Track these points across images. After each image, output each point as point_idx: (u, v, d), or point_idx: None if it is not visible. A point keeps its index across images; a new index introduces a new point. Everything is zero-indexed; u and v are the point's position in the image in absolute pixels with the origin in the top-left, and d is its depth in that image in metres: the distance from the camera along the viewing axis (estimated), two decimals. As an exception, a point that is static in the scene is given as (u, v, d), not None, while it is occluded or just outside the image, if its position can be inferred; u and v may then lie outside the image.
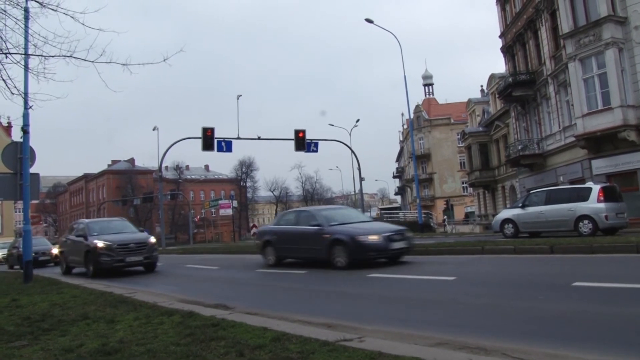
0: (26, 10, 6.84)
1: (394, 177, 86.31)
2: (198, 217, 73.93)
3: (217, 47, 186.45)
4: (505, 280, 7.64)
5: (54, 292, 8.50)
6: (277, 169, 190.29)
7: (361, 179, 32.80)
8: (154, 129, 42.18)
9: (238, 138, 26.88)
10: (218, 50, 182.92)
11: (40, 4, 6.32)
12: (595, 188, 14.97)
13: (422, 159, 62.44)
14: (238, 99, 29.25)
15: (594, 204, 14.56)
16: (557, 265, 8.91)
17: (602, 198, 14.57)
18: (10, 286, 10.37)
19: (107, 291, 8.23)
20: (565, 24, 21.25)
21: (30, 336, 4.82)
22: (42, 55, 6.50)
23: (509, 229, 16.60)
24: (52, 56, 6.49)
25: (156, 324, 4.98)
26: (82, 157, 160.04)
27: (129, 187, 74.21)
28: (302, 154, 39.13)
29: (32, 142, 11.25)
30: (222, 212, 66.18)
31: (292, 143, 26.63)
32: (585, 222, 14.57)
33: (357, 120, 63.98)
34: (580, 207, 14.78)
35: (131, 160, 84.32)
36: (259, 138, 28.60)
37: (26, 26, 6.79)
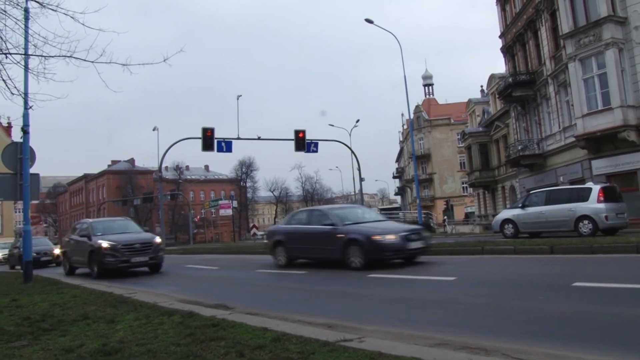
0: (26, 10, 6.84)
1: (394, 177, 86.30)
2: (198, 217, 73.95)
3: (217, 47, 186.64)
4: (506, 280, 7.64)
5: (54, 292, 8.50)
6: (277, 169, 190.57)
7: (361, 179, 32.76)
8: (154, 129, 42.18)
9: (238, 138, 26.85)
10: (218, 50, 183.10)
11: (40, 4, 6.33)
12: (595, 188, 14.97)
13: (422, 159, 62.44)
14: (238, 99, 29.23)
15: (594, 204, 14.57)
16: (557, 265, 8.92)
17: (602, 198, 14.58)
18: (10, 286, 10.37)
19: (107, 291, 8.23)
20: (565, 24, 21.26)
21: (30, 336, 4.82)
22: (42, 56, 6.51)
23: (509, 229, 16.61)
24: (52, 56, 6.50)
25: (156, 324, 4.98)
26: (82, 157, 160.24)
27: (129, 187, 74.23)
28: (302, 154, 39.33)
29: (32, 143, 11.27)
30: (222, 212, 66.19)
31: (292, 143, 26.61)
32: (585, 222, 14.58)
33: (357, 121, 63.77)
34: (580, 207, 14.79)
35: (131, 161, 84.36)
36: (259, 138, 28.57)
37: (26, 26, 6.80)
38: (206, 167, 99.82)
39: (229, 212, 64.35)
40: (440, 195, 61.86)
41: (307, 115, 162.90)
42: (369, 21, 27.01)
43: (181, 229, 73.59)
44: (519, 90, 26.90)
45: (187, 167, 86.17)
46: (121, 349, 4.00)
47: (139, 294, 7.82)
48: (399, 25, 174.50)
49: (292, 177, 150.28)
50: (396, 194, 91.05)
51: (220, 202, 63.87)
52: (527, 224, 16.18)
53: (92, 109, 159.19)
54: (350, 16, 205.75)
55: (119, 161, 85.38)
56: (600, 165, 20.63)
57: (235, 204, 63.68)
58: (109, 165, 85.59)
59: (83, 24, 6.33)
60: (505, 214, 17.76)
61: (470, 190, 50.44)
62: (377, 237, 9.75)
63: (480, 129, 39.95)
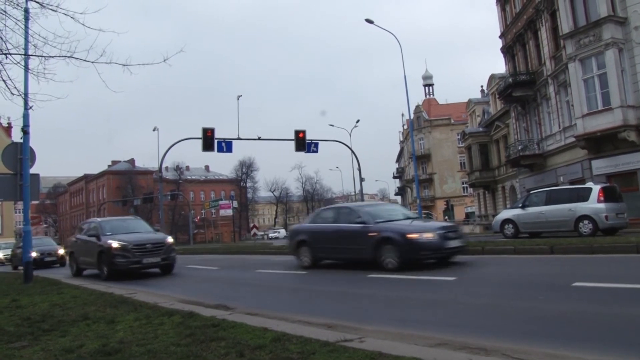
0: (26, 10, 6.85)
1: (394, 177, 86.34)
2: (198, 217, 73.97)
3: (217, 47, 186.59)
4: (506, 280, 7.64)
5: (54, 293, 8.50)
6: (278, 169, 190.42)
7: (361, 180, 32.73)
8: (154, 130, 42.11)
9: (238, 138, 26.83)
10: (218, 50, 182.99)
11: (40, 4, 6.34)
12: (595, 188, 14.98)
13: (422, 159, 62.45)
14: (238, 99, 29.23)
15: (594, 204, 14.57)
16: (557, 265, 8.92)
17: (602, 198, 14.58)
18: (10, 286, 10.37)
19: (107, 292, 8.24)
20: (565, 25, 21.26)
21: (30, 337, 4.82)
22: (42, 56, 6.51)
23: (509, 229, 16.61)
24: (52, 57, 6.50)
25: (156, 325, 4.99)
26: (82, 158, 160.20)
27: (129, 188, 74.27)
28: (302, 154, 39.34)
29: (32, 143, 11.26)
30: (222, 212, 66.19)
31: (292, 143, 26.60)
32: (585, 222, 14.58)
33: (357, 121, 63.87)
34: (581, 207, 14.79)
35: (131, 161, 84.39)
36: (259, 138, 28.55)
37: (26, 27, 6.80)
38: (206, 168, 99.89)
39: (229, 212, 64.29)
40: (441, 195, 61.85)
41: (307, 115, 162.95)
42: (369, 21, 27.00)
43: (181, 229, 73.56)
44: (519, 91, 26.91)
45: (187, 168, 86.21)
46: (121, 349, 4.00)
47: (139, 294, 7.82)
48: (399, 25, 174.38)
49: (293, 177, 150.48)
50: (396, 194, 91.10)
51: (220, 202, 63.83)
52: (527, 224, 16.18)
53: (92, 109, 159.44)
54: (350, 16, 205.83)
55: (119, 161, 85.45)
56: (600, 165, 20.63)
57: (235, 204, 63.61)
58: (109, 166, 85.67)
59: (83, 24, 6.34)
60: (505, 214, 17.76)
61: (471, 190, 50.44)
62: (414, 236, 9.18)
63: (481, 129, 39.95)
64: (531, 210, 16.11)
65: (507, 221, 16.81)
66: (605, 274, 7.39)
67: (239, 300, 7.06)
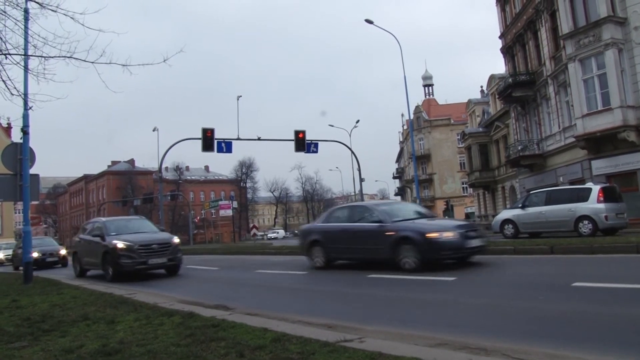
0: (26, 11, 6.86)
1: (394, 177, 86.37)
2: (198, 217, 73.97)
3: (217, 47, 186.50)
4: (506, 280, 7.65)
5: (54, 293, 8.50)
6: (277, 169, 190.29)
7: (361, 180, 32.76)
8: (153, 130, 42.20)
9: (238, 139, 26.84)
10: (218, 50, 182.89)
11: (40, 4, 6.34)
12: (595, 188, 14.99)
13: (422, 159, 62.46)
14: (238, 99, 29.26)
15: (593, 205, 14.58)
16: (557, 265, 8.92)
17: (602, 198, 14.59)
18: (10, 287, 10.37)
19: (107, 292, 8.24)
20: (565, 25, 21.27)
21: (30, 337, 4.82)
22: (42, 56, 6.52)
23: (509, 229, 16.62)
24: (52, 57, 6.51)
25: (156, 325, 4.98)
26: (82, 158, 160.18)
27: (129, 188, 74.27)
28: (302, 154, 39.30)
29: (32, 143, 11.25)
30: (222, 212, 66.18)
31: (292, 144, 26.62)
32: (585, 222, 14.60)
33: (357, 121, 63.75)
34: (580, 207, 14.80)
35: (131, 161, 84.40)
36: (259, 139, 28.55)
37: (26, 27, 6.81)
38: (206, 168, 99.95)
39: (229, 212, 64.30)
40: (440, 195, 61.85)
41: (307, 115, 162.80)
42: (369, 21, 27.03)
43: (181, 229, 73.47)
44: (518, 91, 26.92)
45: (187, 168, 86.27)
46: (121, 349, 4.00)
47: (138, 294, 7.82)
48: (398, 25, 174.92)
49: (292, 178, 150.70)
50: (396, 195, 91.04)
51: (220, 202, 63.87)
52: (527, 224, 16.19)
53: (92, 110, 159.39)
54: (350, 16, 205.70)
55: (119, 162, 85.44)
56: (600, 166, 20.64)
57: (235, 204, 63.65)
58: (108, 166, 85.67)
59: (83, 25, 6.34)
60: (505, 214, 17.77)
61: (470, 190, 50.46)
62: (434, 235, 8.85)
63: (480, 129, 39.96)
64: (531, 210, 16.12)
65: (507, 221, 16.82)
66: (605, 274, 7.39)
67: (239, 300, 7.06)
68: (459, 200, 61.13)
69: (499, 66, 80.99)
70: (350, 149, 34.20)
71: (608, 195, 14.91)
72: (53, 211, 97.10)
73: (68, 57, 6.48)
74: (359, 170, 32.26)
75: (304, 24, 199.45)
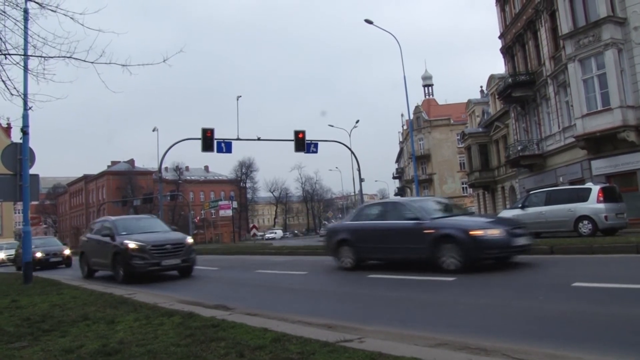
0: (25, 11, 6.86)
1: (394, 177, 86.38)
2: (198, 217, 73.94)
3: (217, 47, 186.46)
4: (505, 280, 7.64)
5: (54, 293, 8.50)
6: (277, 169, 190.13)
7: (361, 180, 32.72)
8: (153, 130, 42.16)
9: (238, 139, 26.80)
10: (218, 51, 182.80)
11: (40, 5, 6.34)
12: (595, 188, 14.99)
13: (422, 159, 62.48)
14: (238, 99, 29.20)
15: (593, 205, 14.58)
16: (556, 265, 8.92)
17: (601, 198, 14.59)
18: (10, 287, 10.37)
19: (107, 292, 8.24)
20: (565, 25, 21.28)
21: (30, 337, 4.82)
22: (41, 56, 6.52)
23: (509, 229, 16.58)
24: (52, 57, 6.51)
25: (156, 325, 4.99)
26: (82, 158, 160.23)
27: (128, 188, 74.25)
28: (302, 154, 39.31)
29: (32, 143, 11.25)
30: (222, 212, 66.18)
31: (292, 144, 26.59)
32: (585, 222, 14.60)
33: (357, 121, 63.59)
34: (580, 207, 14.80)
35: (131, 161, 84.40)
36: (258, 139, 28.52)
37: (25, 27, 6.81)
38: (206, 168, 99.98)
39: (229, 212, 64.32)
40: (440, 195, 61.91)
41: (307, 115, 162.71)
42: (369, 22, 27.01)
43: (181, 229, 73.21)
44: (518, 91, 26.92)
45: (187, 168, 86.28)
46: (121, 349, 4.00)
47: (138, 294, 7.82)
48: (398, 25, 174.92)
49: (292, 178, 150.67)
50: (396, 195, 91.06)
51: (220, 202, 63.86)
52: (527, 225, 16.14)
53: (92, 110, 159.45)
54: (350, 17, 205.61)
55: (119, 162, 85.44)
56: (600, 166, 20.64)
57: (235, 204, 63.67)
58: (108, 166, 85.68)
59: (83, 25, 6.34)
60: (505, 214, 17.74)
61: (470, 190, 50.48)
62: (478, 232, 8.27)
63: (480, 129, 39.97)
64: (531, 210, 16.11)
65: (506, 221, 16.79)
66: (605, 274, 7.39)
67: (239, 300, 7.06)
68: (459, 201, 60.92)
69: (499, 66, 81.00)
70: (350, 149, 34.17)
71: (608, 195, 14.91)
72: (53, 211, 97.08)
73: (68, 57, 6.48)
74: (359, 170, 32.23)
75: (304, 24, 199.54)
